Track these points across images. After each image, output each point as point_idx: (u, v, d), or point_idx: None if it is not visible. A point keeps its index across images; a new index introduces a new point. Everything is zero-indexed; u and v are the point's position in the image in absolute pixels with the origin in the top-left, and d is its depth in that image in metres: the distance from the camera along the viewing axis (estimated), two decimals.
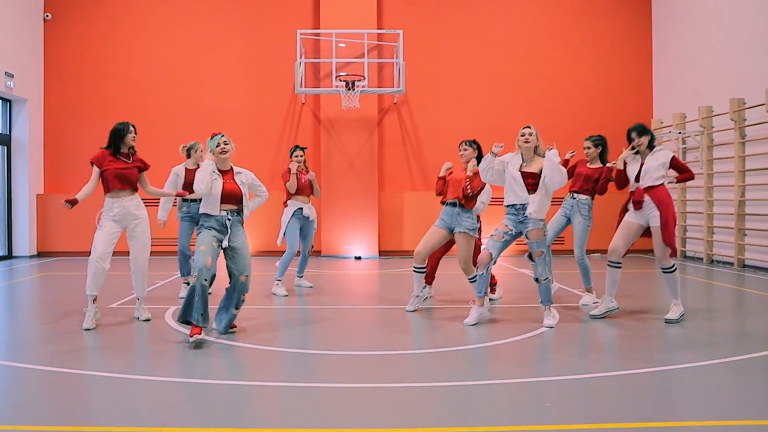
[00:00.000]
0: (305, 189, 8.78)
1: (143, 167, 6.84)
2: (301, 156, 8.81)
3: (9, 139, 14.04)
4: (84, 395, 4.38)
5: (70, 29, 14.72)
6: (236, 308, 6.21)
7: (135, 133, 6.78)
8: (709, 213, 12.60)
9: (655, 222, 6.61)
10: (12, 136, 14.08)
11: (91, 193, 6.57)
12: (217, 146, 6.09)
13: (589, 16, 15.07)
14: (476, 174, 6.90)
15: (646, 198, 6.62)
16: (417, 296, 7.42)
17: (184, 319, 5.82)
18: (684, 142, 13.41)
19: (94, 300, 6.54)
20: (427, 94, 14.82)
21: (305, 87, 13.82)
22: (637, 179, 6.71)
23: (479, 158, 6.99)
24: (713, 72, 12.75)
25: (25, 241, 14.14)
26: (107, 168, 6.56)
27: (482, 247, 6.68)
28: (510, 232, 6.53)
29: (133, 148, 6.78)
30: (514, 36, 15.01)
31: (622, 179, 6.93)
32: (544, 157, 6.44)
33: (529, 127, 6.56)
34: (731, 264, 11.91)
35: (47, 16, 14.64)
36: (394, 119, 14.87)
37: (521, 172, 6.44)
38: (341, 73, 13.51)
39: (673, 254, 6.63)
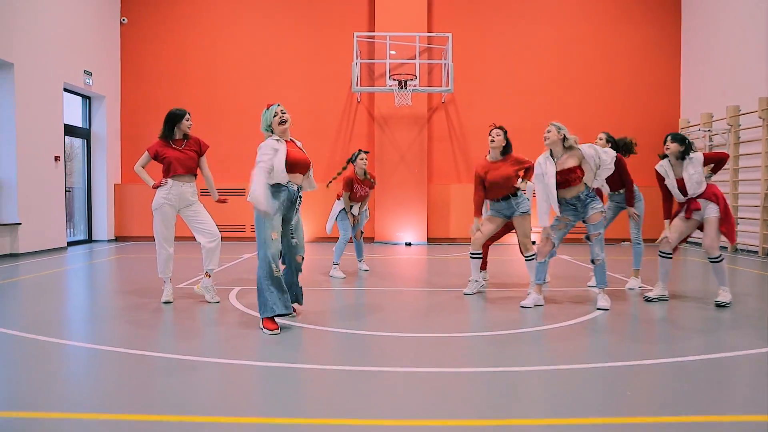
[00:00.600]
0: (359, 199, 8.45)
1: (200, 151, 6.45)
2: (365, 161, 8.31)
3: (89, 133, 14.00)
4: (159, 380, 3.98)
5: (144, 31, 14.66)
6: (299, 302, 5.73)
7: (190, 121, 6.42)
8: (734, 205, 12.08)
9: (711, 213, 6.23)
10: (91, 130, 14.05)
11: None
12: (274, 116, 5.24)
13: (623, 23, 14.59)
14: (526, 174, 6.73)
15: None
16: (476, 281, 7.04)
17: (272, 314, 5.10)
18: (711, 139, 12.95)
19: (169, 280, 6.44)
20: (473, 94, 14.51)
21: (361, 86, 13.57)
22: (683, 192, 6.38)
23: (507, 146, 6.75)
24: (741, 72, 12.21)
25: (103, 226, 14.13)
26: (166, 155, 6.27)
27: (543, 236, 6.29)
28: (570, 222, 6.23)
29: (187, 135, 6.39)
30: (554, 41, 14.62)
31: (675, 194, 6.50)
32: (575, 148, 6.08)
33: (549, 125, 6.13)
34: (756, 252, 11.46)
35: (123, 20, 14.59)
36: (442, 117, 14.57)
37: (560, 172, 6.05)
38: (395, 73, 13.20)
39: (733, 241, 6.33)
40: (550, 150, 6.11)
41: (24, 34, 11.09)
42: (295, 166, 5.21)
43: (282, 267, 5.42)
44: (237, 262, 9.95)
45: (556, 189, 6.05)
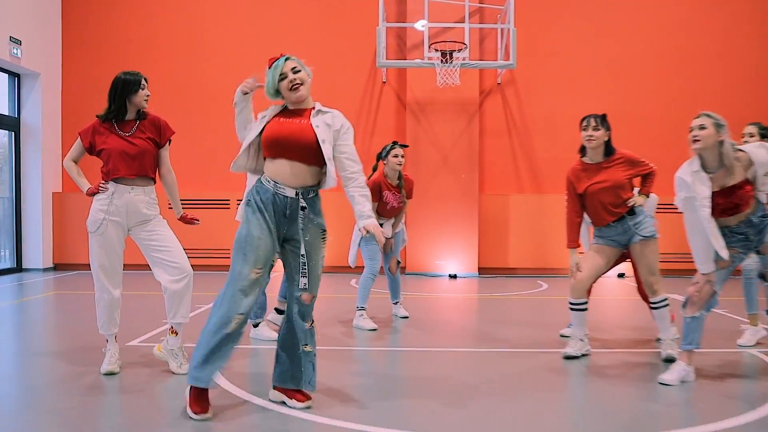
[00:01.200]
0: (390, 213, 7.92)
1: (159, 140, 5.76)
2: (403, 158, 7.78)
3: (18, 123, 13.59)
4: None
5: None
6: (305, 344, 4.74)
7: (147, 90, 5.70)
8: None
9: None
10: (21, 119, 13.66)
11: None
12: (281, 78, 4.59)
13: None
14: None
15: None
16: (581, 339, 6.27)
17: (205, 384, 4.39)
18: None
19: (115, 338, 5.79)
20: (541, 72, 14.15)
21: (388, 59, 13.07)
22: None
23: (609, 143, 6.20)
24: None
25: (37, 250, 13.78)
26: (105, 145, 5.57)
27: (700, 282, 5.46)
28: (738, 256, 5.50)
29: (142, 113, 5.71)
30: (654, 2, 14.23)
31: None
32: (736, 158, 5.24)
33: (700, 116, 5.26)
34: None
35: None
36: (497, 103, 14.20)
37: (720, 193, 5.24)
38: (437, 41, 12.67)
39: None
40: (699, 157, 5.25)
41: None
42: (277, 146, 4.44)
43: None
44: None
45: (717, 216, 5.25)
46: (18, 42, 12.83)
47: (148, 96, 5.68)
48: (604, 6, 14.16)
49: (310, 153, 4.41)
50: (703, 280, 5.34)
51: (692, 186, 5.19)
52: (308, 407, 4.53)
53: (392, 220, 7.97)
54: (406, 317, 8.36)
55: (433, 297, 10.63)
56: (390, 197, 7.78)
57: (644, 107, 13.80)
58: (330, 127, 4.50)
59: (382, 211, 7.81)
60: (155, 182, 5.76)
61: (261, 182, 4.46)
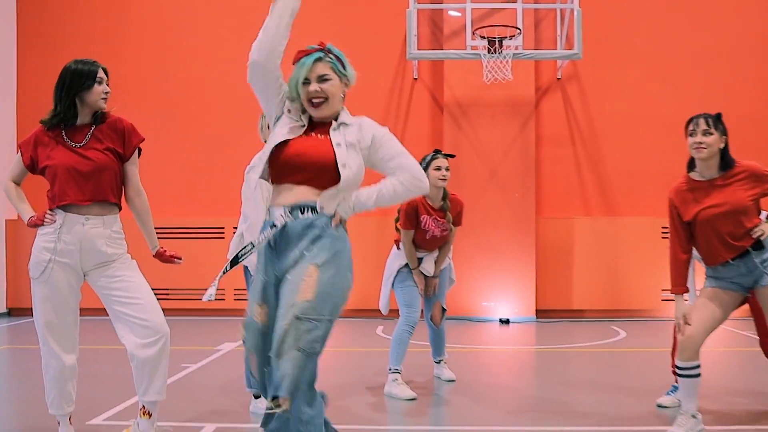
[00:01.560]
0: (431, 244, 7.38)
1: (122, 151, 5.35)
2: (447, 172, 7.24)
3: None
4: None
5: None
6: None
7: (106, 86, 5.34)
8: None
9: None
10: None
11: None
12: (305, 83, 4.22)
13: None
14: None
15: None
16: (693, 417, 5.72)
17: None
18: None
19: (69, 419, 5.47)
20: (609, 66, 13.86)
21: (420, 49, 12.83)
22: None
23: (725, 152, 5.83)
24: None
25: None
26: (50, 161, 5.23)
27: None
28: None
29: (100, 115, 5.32)
30: None
31: None
32: None
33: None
34: None
35: None
36: (557, 103, 13.94)
37: None
38: (481, 26, 12.41)
39: None
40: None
41: None
42: (289, 167, 4.17)
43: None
44: (212, 360, 9.08)
45: None
46: None
47: (107, 93, 5.32)
48: None
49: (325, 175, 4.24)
50: None
51: None
52: None
53: (435, 254, 7.41)
54: (452, 381, 7.76)
55: (482, 351, 10.36)
56: (430, 223, 7.22)
57: (735, 106, 12.88)
58: (356, 145, 4.26)
59: (421, 242, 7.30)
60: (120, 209, 5.37)
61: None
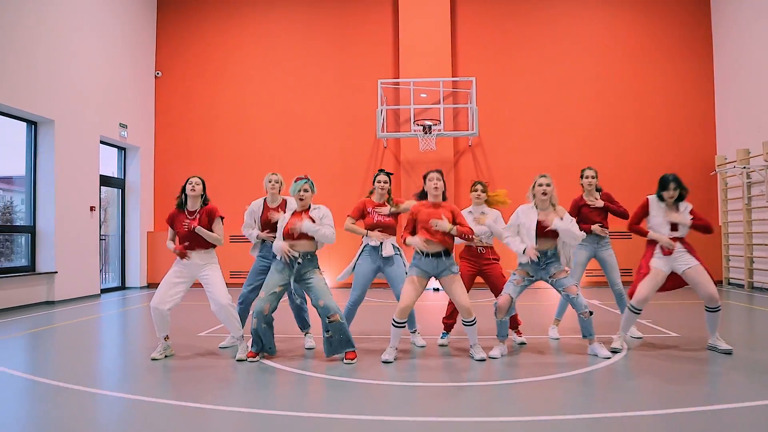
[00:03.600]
0: (384, 228, 6.88)
1: (208, 221, 6.50)
2: (386, 183, 6.95)
3: (124, 183, 15.15)
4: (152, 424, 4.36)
5: (178, 84, 15.89)
6: (326, 331, 6.18)
7: (200, 185, 6.54)
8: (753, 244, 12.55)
9: (690, 263, 6.36)
10: (126, 179, 15.22)
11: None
12: (298, 191, 6.32)
13: (655, 60, 15.21)
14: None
15: (678, 245, 6.43)
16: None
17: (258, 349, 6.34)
18: (749, 176, 13.42)
19: (165, 338, 6.55)
20: (501, 136, 15.09)
21: (386, 131, 14.30)
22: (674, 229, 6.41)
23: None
24: None
25: (136, 273, 15.14)
26: (177, 229, 6.56)
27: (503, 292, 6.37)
28: (530, 278, 6.35)
29: (204, 198, 6.58)
30: (584, 79, 15.21)
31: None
32: (555, 209, 6.36)
33: (545, 176, 6.34)
34: None
35: (158, 74, 15.91)
36: (469, 160, 15.16)
37: (538, 222, 6.24)
38: (420, 119, 13.96)
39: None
40: (536, 203, 6.50)
41: (64, 92, 12.37)
42: (287, 235, 6.28)
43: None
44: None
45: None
46: (125, 126, 14.51)
47: (195, 189, 6.54)
48: (548, 84, 15.10)
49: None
50: (506, 296, 6.28)
51: (523, 218, 6.32)
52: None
53: (393, 239, 6.93)
54: (423, 347, 7.06)
55: (421, 305, 10.78)
56: (373, 214, 6.91)
57: (578, 160, 13.74)
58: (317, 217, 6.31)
59: (371, 226, 6.90)
60: (214, 247, 6.70)
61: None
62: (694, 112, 15.18)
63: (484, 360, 6.21)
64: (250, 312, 6.58)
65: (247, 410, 4.68)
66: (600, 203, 7.36)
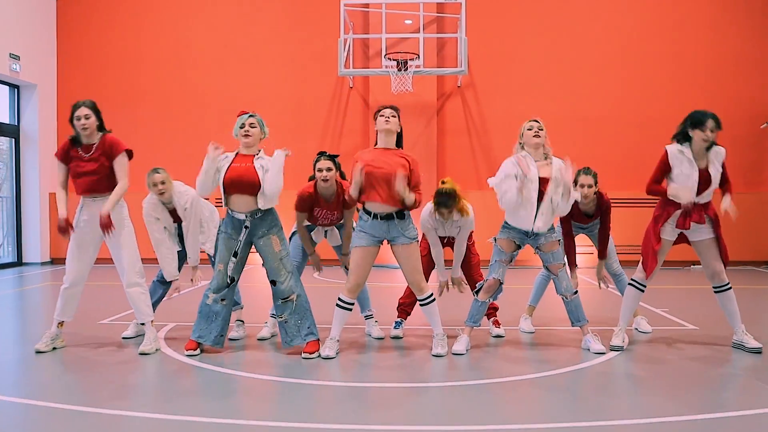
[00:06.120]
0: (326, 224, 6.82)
1: (108, 157, 6.13)
2: (329, 172, 6.40)
3: (17, 131, 14.61)
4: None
5: (86, 6, 15.31)
6: (274, 314, 6.31)
7: (91, 117, 6.15)
8: None
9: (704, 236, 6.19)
10: (20, 126, 14.67)
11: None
12: (241, 127, 5.99)
13: None
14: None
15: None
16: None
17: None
18: None
19: (60, 324, 6.33)
20: (496, 76, 14.87)
21: (352, 68, 13.96)
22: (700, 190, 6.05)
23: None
24: None
25: (35, 246, 14.73)
26: (70, 166, 6.23)
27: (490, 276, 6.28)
28: (517, 247, 6.27)
29: (101, 127, 6.23)
30: (602, 4, 14.89)
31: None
32: (549, 159, 6.19)
33: (536, 120, 6.22)
34: None
35: None
36: (457, 105, 14.94)
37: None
38: (393, 51, 13.55)
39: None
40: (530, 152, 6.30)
41: None
42: (231, 185, 5.92)
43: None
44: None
45: None
46: (17, 58, 13.90)
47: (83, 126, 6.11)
48: (555, 13, 14.81)
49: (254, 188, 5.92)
50: (494, 279, 6.23)
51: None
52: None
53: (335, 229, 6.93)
54: (381, 338, 6.98)
55: (386, 288, 10.66)
56: (319, 212, 6.71)
57: (590, 107, 14.44)
58: (264, 169, 5.93)
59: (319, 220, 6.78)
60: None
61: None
62: (746, 50, 14.76)
63: (442, 356, 6.10)
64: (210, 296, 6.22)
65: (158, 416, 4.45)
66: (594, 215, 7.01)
